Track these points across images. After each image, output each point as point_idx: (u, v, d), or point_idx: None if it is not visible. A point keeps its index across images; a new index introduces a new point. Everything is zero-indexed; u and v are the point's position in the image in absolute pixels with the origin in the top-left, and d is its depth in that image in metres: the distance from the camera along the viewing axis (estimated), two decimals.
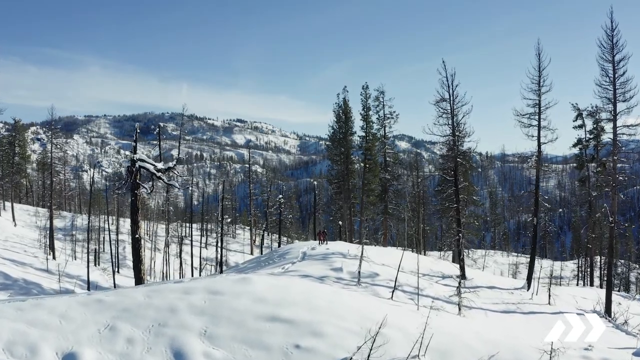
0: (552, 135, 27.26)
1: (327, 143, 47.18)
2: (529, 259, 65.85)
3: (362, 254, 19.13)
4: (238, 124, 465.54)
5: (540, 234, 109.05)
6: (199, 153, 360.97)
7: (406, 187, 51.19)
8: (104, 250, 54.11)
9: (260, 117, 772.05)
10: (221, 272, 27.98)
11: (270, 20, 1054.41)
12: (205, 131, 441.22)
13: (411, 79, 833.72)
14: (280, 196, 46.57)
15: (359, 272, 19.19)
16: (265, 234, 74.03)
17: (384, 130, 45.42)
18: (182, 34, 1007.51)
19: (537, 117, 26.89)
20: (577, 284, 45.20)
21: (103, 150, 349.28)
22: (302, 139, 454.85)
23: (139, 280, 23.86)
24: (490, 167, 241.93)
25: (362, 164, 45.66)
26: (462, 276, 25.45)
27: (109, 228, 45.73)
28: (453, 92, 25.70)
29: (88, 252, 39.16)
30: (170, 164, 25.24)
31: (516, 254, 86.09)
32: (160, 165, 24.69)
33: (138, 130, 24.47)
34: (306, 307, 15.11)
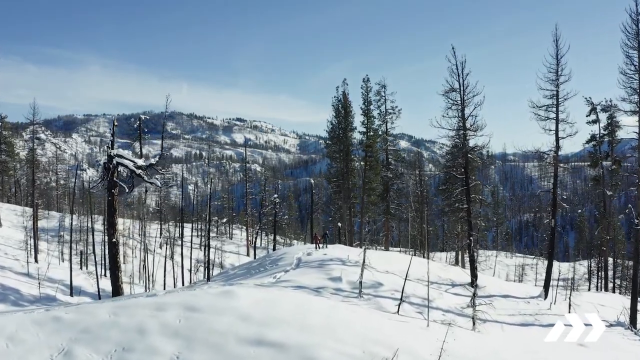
0: (570, 129, 25.03)
1: (328, 142, 44.63)
2: (535, 261, 63.47)
3: (364, 261, 16.79)
4: (237, 123, 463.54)
5: (544, 235, 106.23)
6: (198, 152, 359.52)
7: (409, 186, 48.79)
8: (93, 252, 51.72)
9: (260, 116, 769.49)
10: (209, 279, 25.72)
11: (270, 20, 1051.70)
12: (204, 130, 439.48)
13: (411, 79, 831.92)
14: (276, 196, 43.96)
15: (361, 282, 16.87)
16: (263, 234, 71.70)
17: (386, 126, 42.98)
18: (182, 33, 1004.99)
19: (554, 109, 24.64)
20: (589, 289, 42.88)
21: (102, 149, 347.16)
22: (302, 138, 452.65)
23: (116, 288, 21.59)
24: (491, 166, 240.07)
25: (362, 162, 43.32)
26: (475, 285, 23.12)
27: (92, 228, 43.33)
28: (463, 81, 23.39)
29: (71, 255, 36.88)
30: (152, 161, 22.97)
31: (521, 255, 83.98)
32: (140, 162, 22.41)
33: (116, 124, 22.15)
34: (298, 327, 12.87)
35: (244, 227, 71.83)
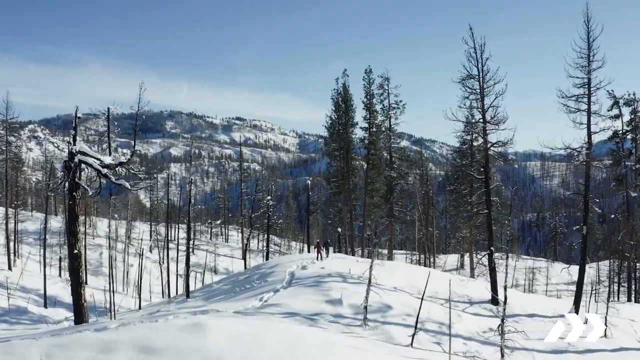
0: (603, 122, 21.94)
1: (327, 139, 41.24)
2: (546, 264, 60.24)
3: (369, 281, 13.67)
4: (237, 122, 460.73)
5: (550, 235, 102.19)
6: (197, 151, 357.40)
7: (415, 186, 45.54)
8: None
9: (260, 115, 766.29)
10: (188, 295, 22.62)
11: (270, 18, 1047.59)
12: (204, 129, 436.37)
13: (411, 77, 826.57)
14: (269, 198, 40.53)
15: (366, 307, 13.74)
16: (261, 236, 68.50)
17: (389, 122, 39.76)
18: (182, 32, 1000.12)
19: (586, 99, 21.50)
20: (610, 298, 39.70)
21: (100, 148, 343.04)
22: (302, 137, 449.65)
23: (78, 307, 18.44)
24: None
25: (362, 162, 40.16)
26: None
27: (66, 230, 40.06)
28: (483, 67, 20.24)
29: (45, 261, 33.71)
30: (123, 159, 19.79)
31: (528, 257, 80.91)
32: (108, 160, 19.24)
33: (79, 116, 18.96)
34: None
35: (240, 229, 68.75)
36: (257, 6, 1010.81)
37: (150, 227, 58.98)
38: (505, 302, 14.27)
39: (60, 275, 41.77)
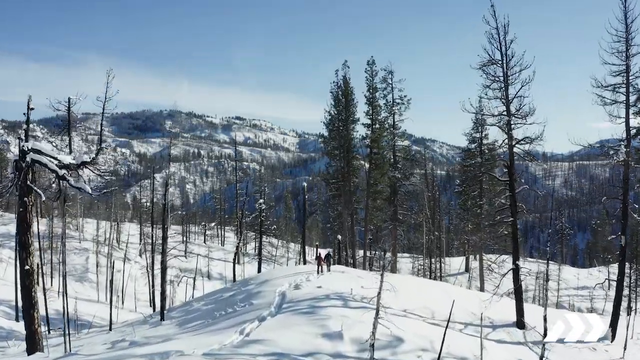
0: None
1: (325, 136, 38.16)
2: (557, 267, 57.38)
3: (377, 311, 10.80)
4: (237, 121, 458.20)
5: (557, 237, 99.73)
6: (196, 151, 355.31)
7: (421, 188, 42.59)
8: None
9: (260, 114, 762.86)
10: (162, 317, 19.78)
11: (271, 17, 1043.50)
12: (203, 129, 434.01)
13: (410, 75, 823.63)
14: (261, 201, 37.36)
15: (373, 345, 10.87)
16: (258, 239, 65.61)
17: (393, 118, 36.84)
18: (182, 31, 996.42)
19: (624, 89, 18.73)
20: (629, 311, 36.86)
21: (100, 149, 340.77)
22: (302, 137, 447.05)
23: (30, 333, 15.62)
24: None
25: (362, 161, 37.21)
26: (522, 325, 17.19)
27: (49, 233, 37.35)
28: (507, 50, 17.42)
29: (16, 269, 30.64)
30: (86, 158, 16.93)
31: (533, 260, 78.02)
32: (68, 159, 16.42)
33: (32, 107, 16.01)
34: None
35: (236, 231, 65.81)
36: (257, 5, 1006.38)
37: (140, 230, 56.15)
38: (544, 336, 11.41)
39: (38, 283, 38.83)
